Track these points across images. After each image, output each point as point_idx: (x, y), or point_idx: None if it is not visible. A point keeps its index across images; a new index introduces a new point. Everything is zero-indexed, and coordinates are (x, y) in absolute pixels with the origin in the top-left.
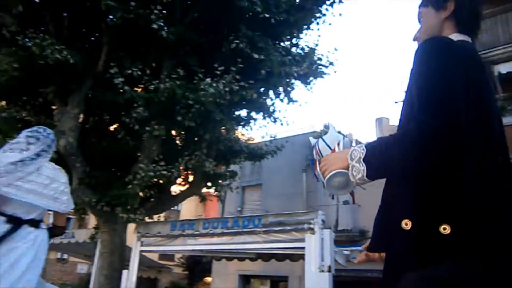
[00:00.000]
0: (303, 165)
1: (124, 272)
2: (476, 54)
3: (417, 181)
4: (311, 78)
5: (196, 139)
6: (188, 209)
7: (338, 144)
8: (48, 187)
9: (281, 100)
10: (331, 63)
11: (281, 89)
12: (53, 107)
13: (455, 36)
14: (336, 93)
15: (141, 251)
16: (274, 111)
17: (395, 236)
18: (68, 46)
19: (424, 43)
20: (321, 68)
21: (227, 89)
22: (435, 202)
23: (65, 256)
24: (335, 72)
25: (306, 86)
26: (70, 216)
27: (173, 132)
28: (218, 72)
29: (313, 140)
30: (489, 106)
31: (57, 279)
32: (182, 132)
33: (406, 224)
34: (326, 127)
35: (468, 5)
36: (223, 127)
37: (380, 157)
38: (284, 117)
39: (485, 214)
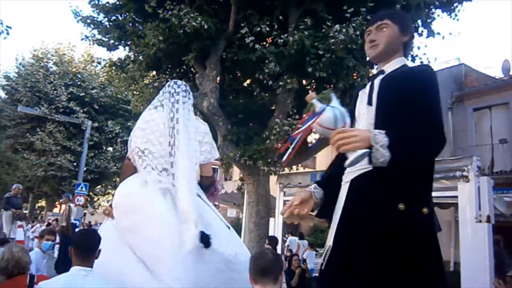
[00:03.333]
0: (448, 102)
1: (271, 219)
2: None
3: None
4: (455, 4)
5: (329, 87)
6: (324, 156)
7: (345, 124)
8: None
9: (420, 35)
10: None
11: (419, 22)
12: (194, 72)
13: (403, 60)
14: (489, 17)
15: (285, 200)
16: (412, 47)
17: (391, 215)
18: (201, 12)
19: (430, 69)
20: None
21: (358, 32)
22: (416, 188)
23: (216, 203)
24: None
25: (450, 15)
26: (214, 167)
27: (304, 83)
28: (348, 15)
29: (318, 104)
30: None
31: None
32: (314, 83)
33: (401, 206)
34: (328, 98)
35: (413, 38)
36: (355, 73)
37: (410, 151)
38: (424, 54)
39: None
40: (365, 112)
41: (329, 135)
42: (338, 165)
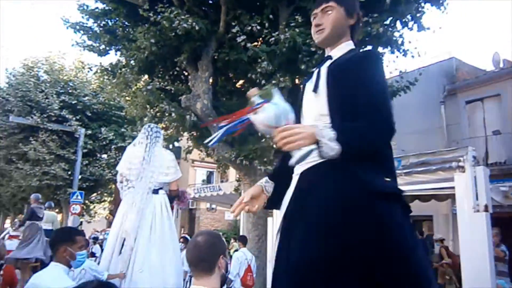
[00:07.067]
0: (441, 96)
1: (269, 219)
2: None
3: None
4: None
5: None
6: None
7: (288, 121)
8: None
9: (410, 29)
10: None
11: (409, 17)
12: (187, 74)
13: (350, 44)
14: (477, 10)
15: None
16: (403, 42)
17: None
18: (191, 14)
19: (374, 53)
20: None
21: None
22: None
23: (214, 206)
24: None
25: (439, 8)
26: (211, 170)
27: (297, 81)
28: None
29: (258, 100)
30: None
31: (209, 226)
32: None
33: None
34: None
35: (360, 21)
36: None
37: (359, 140)
38: (415, 48)
39: None
40: (313, 102)
41: (272, 134)
42: (289, 156)
